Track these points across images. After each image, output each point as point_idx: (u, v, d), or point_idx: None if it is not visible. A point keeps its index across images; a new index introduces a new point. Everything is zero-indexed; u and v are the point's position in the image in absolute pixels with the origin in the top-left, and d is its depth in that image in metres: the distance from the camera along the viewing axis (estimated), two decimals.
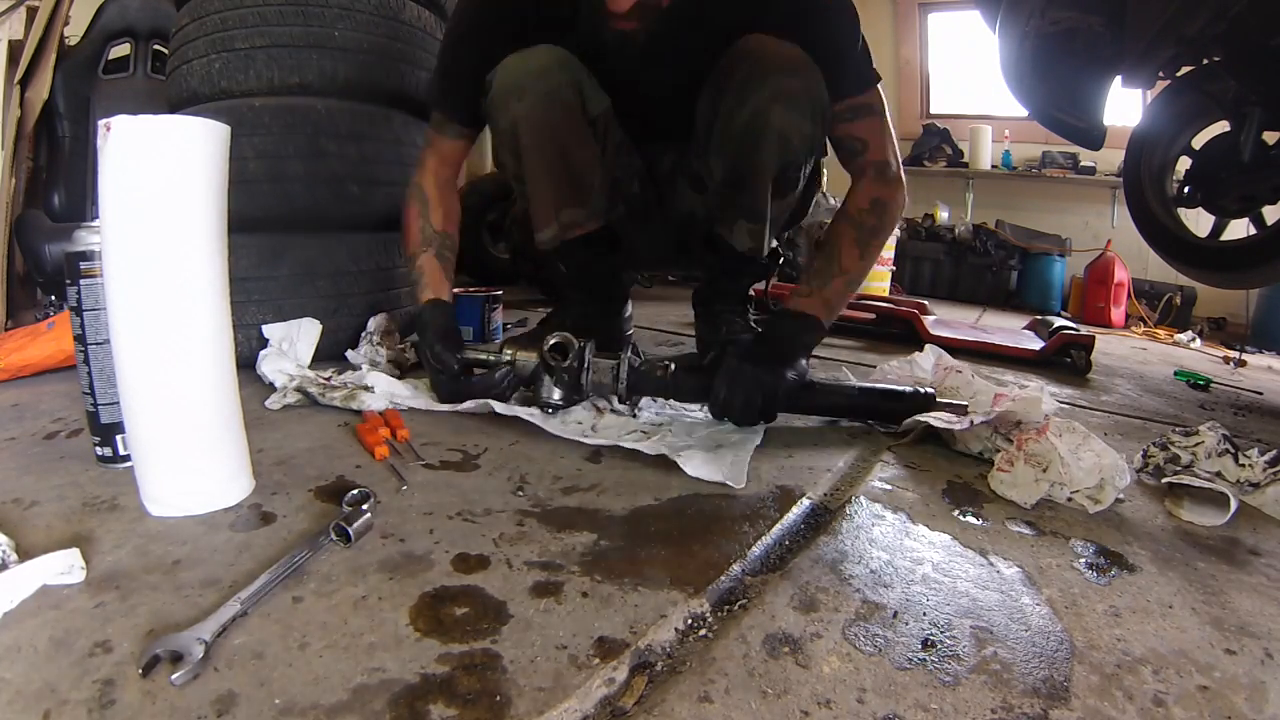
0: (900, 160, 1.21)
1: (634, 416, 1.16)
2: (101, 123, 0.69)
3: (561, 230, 1.23)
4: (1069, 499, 0.91)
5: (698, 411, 1.17)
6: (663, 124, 1.28)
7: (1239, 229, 1.92)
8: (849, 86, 1.14)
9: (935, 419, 1.09)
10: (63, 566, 0.59)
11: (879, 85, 1.18)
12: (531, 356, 1.13)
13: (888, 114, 1.19)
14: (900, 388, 1.19)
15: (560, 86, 1.12)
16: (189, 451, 0.75)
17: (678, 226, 1.41)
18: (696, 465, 0.94)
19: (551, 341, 1.10)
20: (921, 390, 1.16)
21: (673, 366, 1.12)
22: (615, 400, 1.17)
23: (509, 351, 1.16)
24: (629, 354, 1.12)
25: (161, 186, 0.70)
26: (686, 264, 1.55)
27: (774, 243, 1.37)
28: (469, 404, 1.13)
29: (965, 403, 1.15)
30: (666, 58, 1.17)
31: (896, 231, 3.30)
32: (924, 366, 1.33)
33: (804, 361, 1.15)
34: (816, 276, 1.17)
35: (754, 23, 1.11)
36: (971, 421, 1.05)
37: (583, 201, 1.23)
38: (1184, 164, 2.00)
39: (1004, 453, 0.98)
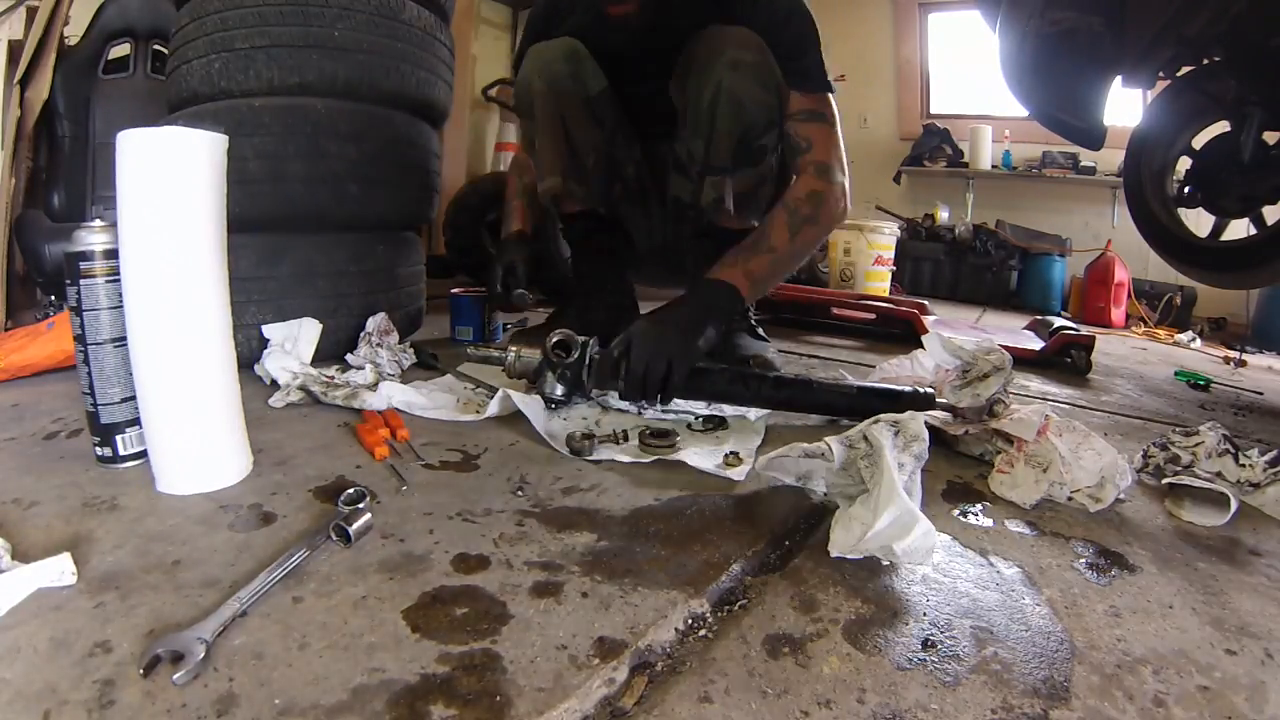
0: (847, 172, 1.27)
1: (639, 414, 1.16)
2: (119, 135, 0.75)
3: (562, 181, 1.37)
4: (1069, 499, 0.91)
5: (701, 408, 1.17)
6: (660, 110, 1.36)
7: (1239, 229, 1.92)
8: (801, 82, 1.26)
9: (931, 416, 1.09)
10: (54, 572, 0.60)
11: (832, 98, 1.29)
12: (535, 352, 1.14)
13: (838, 128, 1.28)
14: (900, 388, 1.19)
15: (561, 76, 1.31)
16: (202, 430, 0.81)
17: (674, 217, 1.48)
18: (697, 460, 0.95)
19: (555, 338, 1.11)
20: (921, 390, 1.16)
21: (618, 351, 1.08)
22: (615, 397, 1.17)
23: (514, 347, 1.17)
24: (594, 346, 1.13)
25: (173, 190, 0.77)
26: (680, 264, 1.55)
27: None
28: (492, 407, 1.12)
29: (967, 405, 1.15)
30: (660, 41, 1.28)
31: (898, 232, 3.29)
32: (925, 365, 1.33)
33: (713, 331, 1.13)
34: (744, 250, 1.21)
35: (725, 12, 1.24)
36: (967, 431, 1.05)
37: (581, 180, 1.39)
38: (1184, 164, 1.99)
39: (1004, 454, 0.98)
